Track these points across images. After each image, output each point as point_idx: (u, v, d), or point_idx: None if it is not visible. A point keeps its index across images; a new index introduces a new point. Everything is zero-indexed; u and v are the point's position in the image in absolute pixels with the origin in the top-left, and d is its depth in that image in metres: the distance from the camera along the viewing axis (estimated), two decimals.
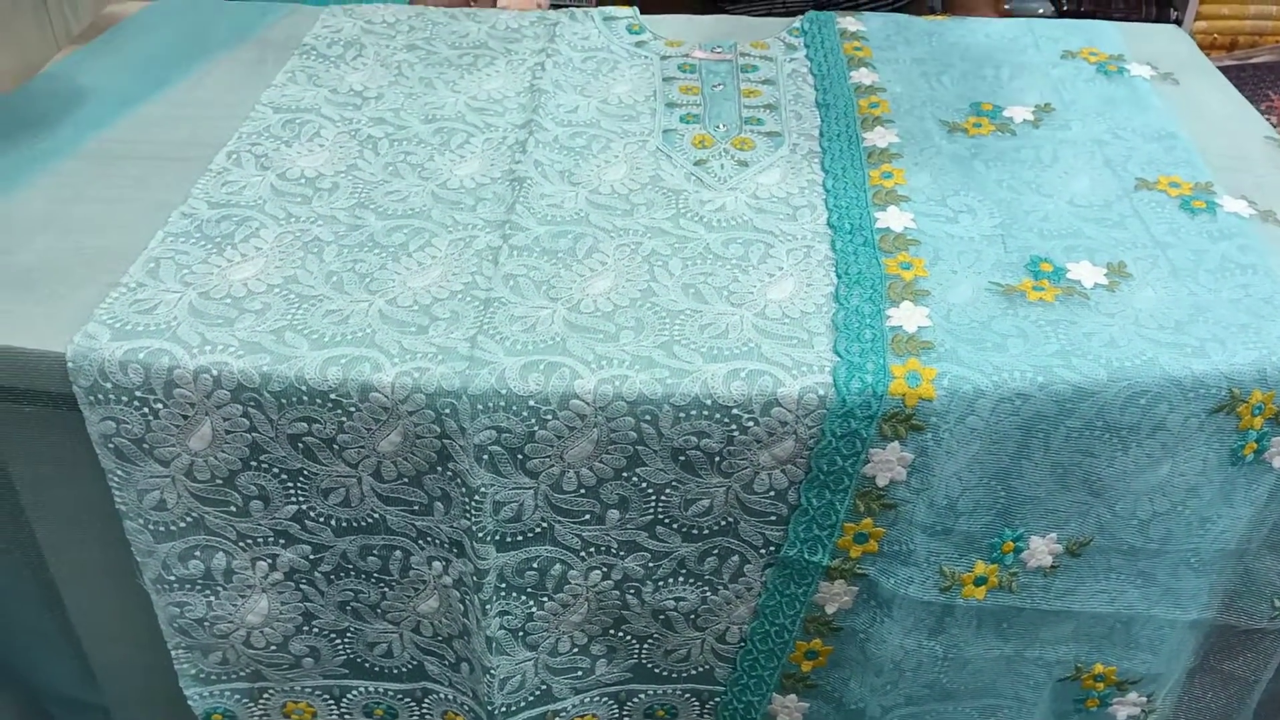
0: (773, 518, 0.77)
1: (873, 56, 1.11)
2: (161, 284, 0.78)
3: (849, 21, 1.16)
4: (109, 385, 0.72)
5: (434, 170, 0.92)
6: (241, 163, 0.91)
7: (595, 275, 0.81)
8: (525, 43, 1.11)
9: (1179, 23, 2.26)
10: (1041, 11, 2.21)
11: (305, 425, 0.73)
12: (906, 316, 0.77)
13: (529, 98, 1.01)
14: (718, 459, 0.74)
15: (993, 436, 0.74)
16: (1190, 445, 0.77)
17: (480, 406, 0.71)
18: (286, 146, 0.94)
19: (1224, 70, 2.20)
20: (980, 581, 0.80)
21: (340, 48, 1.09)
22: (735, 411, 0.72)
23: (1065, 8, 2.23)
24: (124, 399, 0.72)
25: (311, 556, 0.79)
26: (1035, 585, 0.81)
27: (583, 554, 0.78)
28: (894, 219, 0.87)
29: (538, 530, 0.77)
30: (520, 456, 0.73)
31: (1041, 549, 0.79)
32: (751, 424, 0.73)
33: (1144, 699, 0.91)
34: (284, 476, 0.75)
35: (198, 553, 0.79)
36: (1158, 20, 2.25)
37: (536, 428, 0.72)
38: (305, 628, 0.83)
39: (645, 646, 0.85)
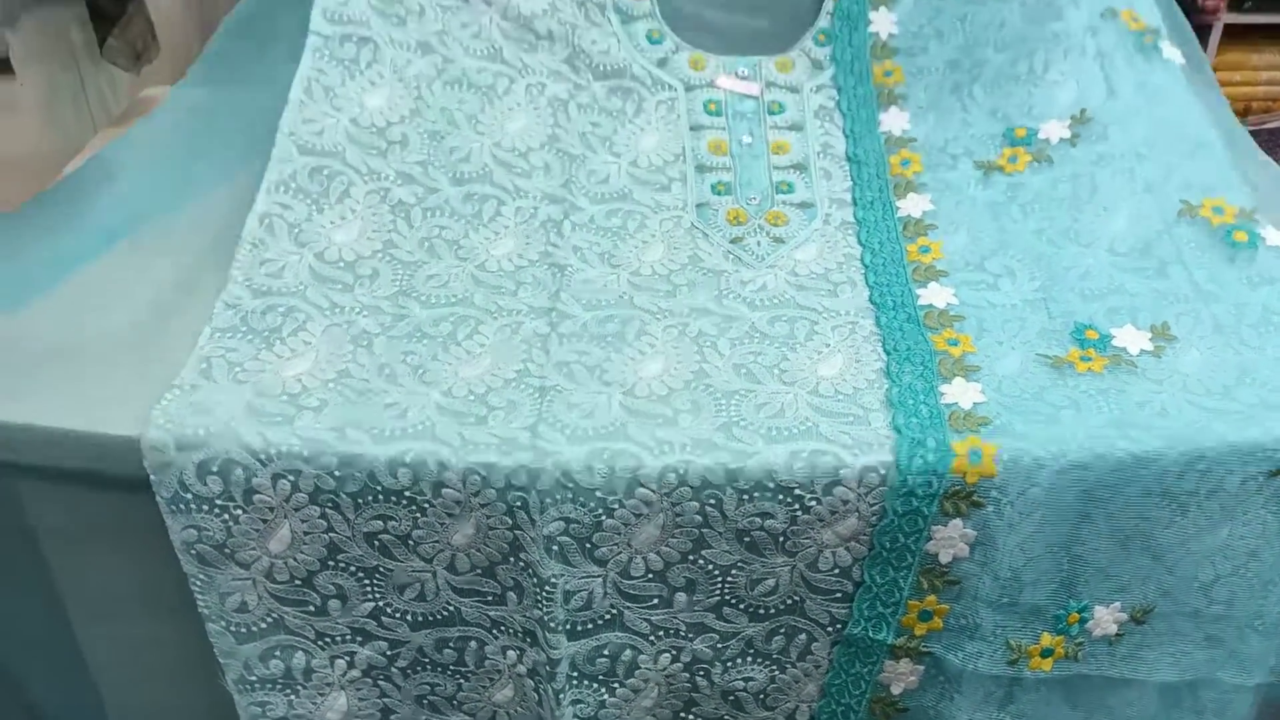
0: (838, 595, 0.78)
1: (904, 83, 1.07)
2: (216, 384, 0.78)
3: (881, 21, 1.09)
4: (189, 496, 0.75)
5: (470, 249, 0.92)
6: (275, 231, 0.89)
7: (646, 358, 0.83)
8: (541, 55, 1.04)
9: None
10: None
11: (381, 523, 0.75)
12: (960, 393, 0.79)
13: (556, 159, 0.99)
14: (782, 539, 0.76)
15: (1053, 508, 0.75)
16: (1248, 508, 0.77)
17: (548, 499, 0.73)
18: (318, 212, 0.90)
19: None
20: (1047, 653, 0.81)
21: (353, 45, 0.97)
22: (798, 492, 0.74)
23: None
24: (204, 508, 0.75)
25: (389, 652, 0.81)
26: (1101, 653, 0.82)
27: (652, 638, 0.80)
28: (936, 295, 0.88)
29: (607, 617, 0.79)
30: (589, 545, 0.75)
31: (1107, 618, 0.80)
32: (814, 503, 0.74)
33: None
34: (361, 574, 0.78)
35: (278, 652, 0.81)
36: None
37: (604, 516, 0.74)
38: None
39: None
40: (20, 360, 0.81)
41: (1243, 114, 2.30)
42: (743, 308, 0.88)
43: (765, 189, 1.00)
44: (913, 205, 0.97)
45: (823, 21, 1.10)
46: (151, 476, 0.74)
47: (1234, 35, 2.26)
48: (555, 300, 0.88)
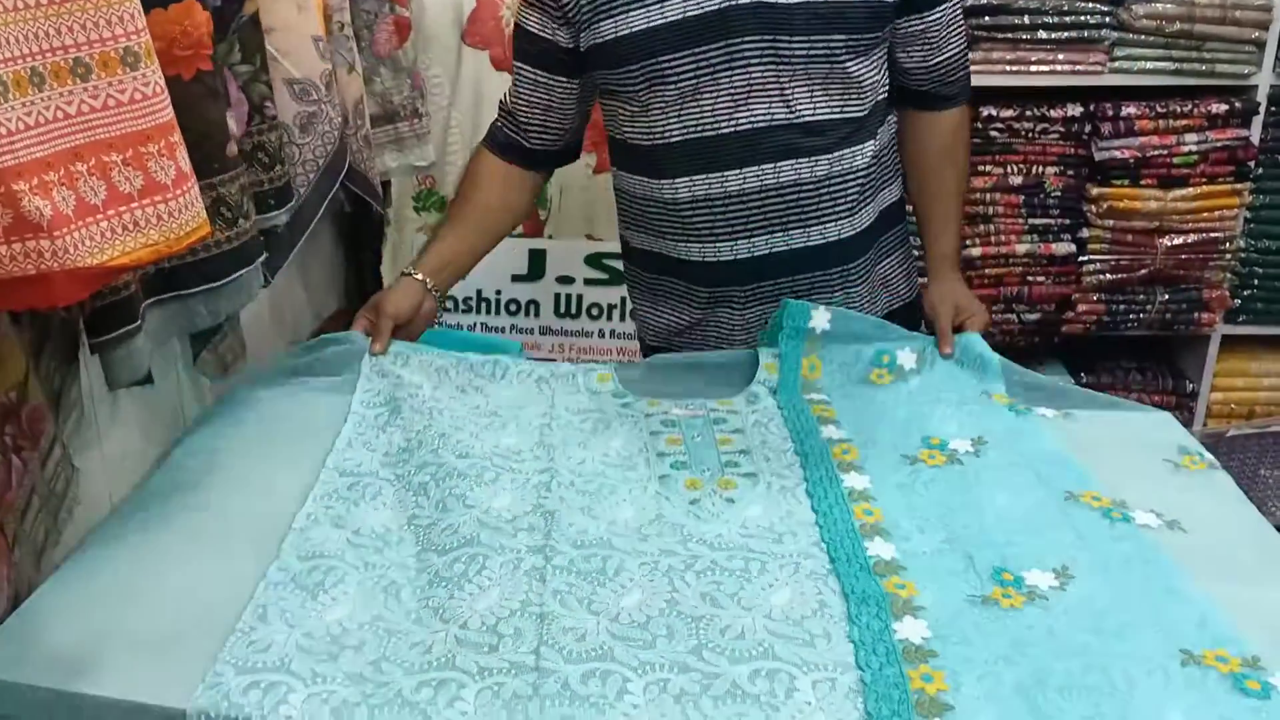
0: None
1: (836, 414, 1.25)
2: (270, 626, 0.89)
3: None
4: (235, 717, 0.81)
5: (476, 500, 1.07)
6: (318, 522, 1.04)
7: (626, 591, 0.95)
8: (531, 408, 1.26)
9: (1195, 394, 2.38)
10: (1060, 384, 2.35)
11: None
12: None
13: (544, 453, 1.17)
14: None
15: None
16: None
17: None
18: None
19: (1244, 439, 2.29)
20: None
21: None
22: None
23: (1084, 381, 2.37)
24: None
25: None
26: None
27: None
28: (881, 548, 1.01)
29: None
30: None
31: None
32: None
33: None
34: None
35: None
36: (1174, 391, 2.38)
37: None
38: None
39: None
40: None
41: (1247, 417, 2.39)
42: (704, 549, 1.01)
43: (715, 466, 1.16)
44: (854, 481, 1.12)
45: (759, 381, 1.32)
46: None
47: (1232, 345, 2.40)
48: (548, 539, 1.02)
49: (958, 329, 1.34)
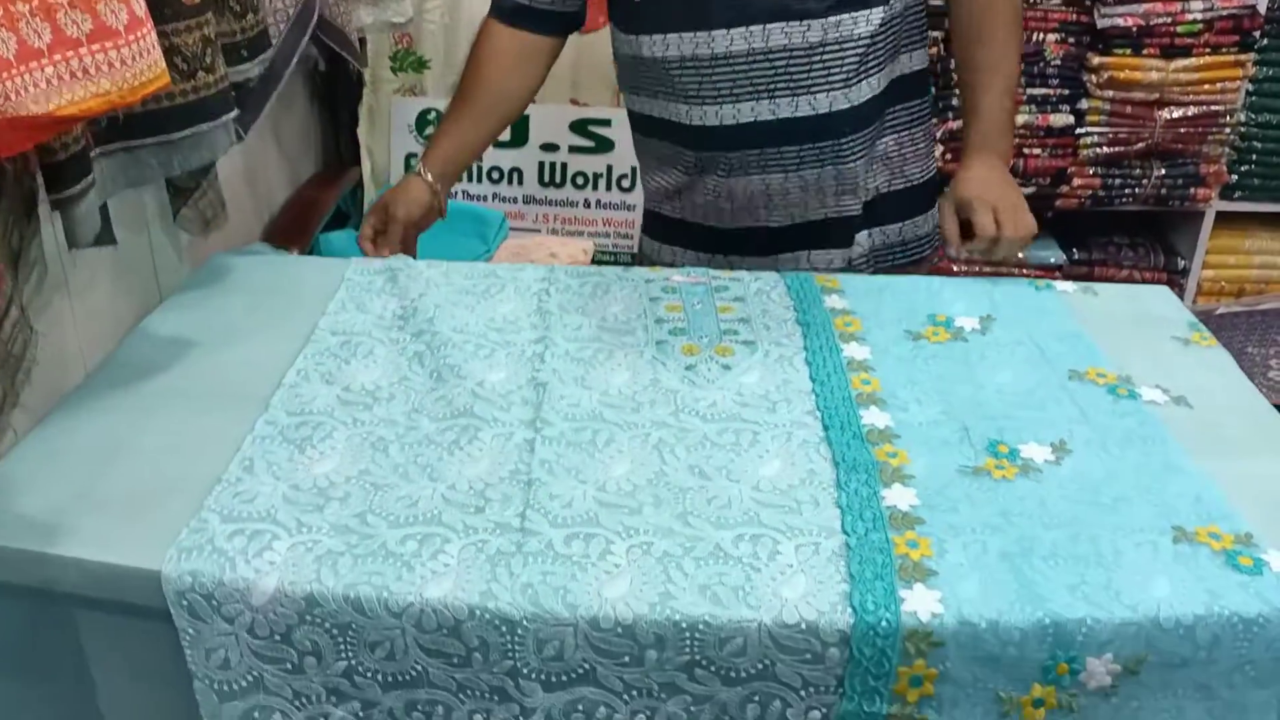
0: (808, 656, 0.79)
1: (840, 285, 1.23)
2: (256, 478, 0.89)
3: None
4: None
5: (469, 372, 1.05)
6: (309, 379, 1.03)
7: (615, 461, 0.94)
8: (529, 272, 1.24)
9: (1186, 271, 2.36)
10: (1053, 260, 2.33)
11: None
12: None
13: (539, 319, 1.14)
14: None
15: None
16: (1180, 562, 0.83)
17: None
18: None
19: (1232, 316, 2.28)
20: (1039, 704, 0.79)
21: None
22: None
23: (1076, 257, 2.35)
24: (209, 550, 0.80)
25: (361, 714, 0.82)
26: (1098, 706, 0.80)
27: (625, 696, 0.80)
28: (876, 417, 0.99)
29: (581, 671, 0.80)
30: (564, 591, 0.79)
31: (1099, 669, 0.78)
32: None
33: None
34: (335, 630, 0.80)
35: (257, 713, 0.82)
36: (1165, 268, 2.36)
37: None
38: None
39: None
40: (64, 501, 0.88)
41: (1236, 295, 2.38)
42: (696, 421, 0.99)
43: (714, 333, 1.14)
44: (855, 351, 1.11)
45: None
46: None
47: (1225, 221, 2.37)
48: (539, 412, 0.99)
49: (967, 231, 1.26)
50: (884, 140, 1.35)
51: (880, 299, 1.20)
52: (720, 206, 1.37)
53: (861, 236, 1.36)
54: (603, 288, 1.22)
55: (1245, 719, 0.82)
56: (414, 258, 1.31)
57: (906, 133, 1.37)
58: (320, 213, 1.84)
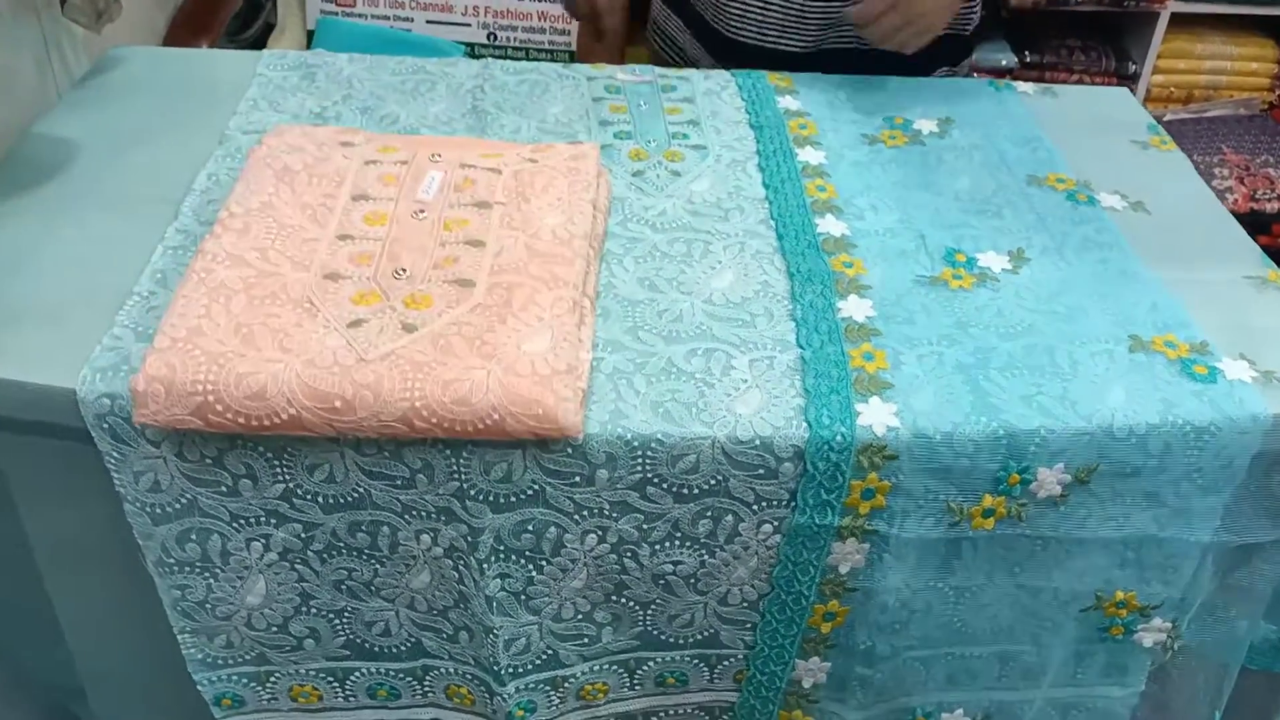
0: (761, 472, 0.77)
1: (793, 85, 1.16)
2: (170, 290, 0.81)
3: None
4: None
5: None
6: (221, 183, 0.94)
7: None
8: (461, 68, 1.15)
9: (1137, 76, 2.30)
10: (1005, 63, 2.25)
11: None
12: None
13: (474, 119, 1.06)
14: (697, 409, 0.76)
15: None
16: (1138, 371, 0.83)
17: None
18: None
19: (1180, 123, 2.24)
20: (989, 514, 0.80)
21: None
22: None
23: (1028, 60, 2.28)
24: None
25: (303, 535, 0.80)
26: (1045, 515, 0.81)
27: (576, 517, 0.79)
28: (832, 225, 0.96)
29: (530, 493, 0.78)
30: None
31: (1050, 479, 0.79)
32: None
33: (1168, 624, 0.90)
34: (270, 455, 0.76)
35: (194, 535, 0.79)
36: (1116, 73, 2.30)
37: None
38: (303, 609, 0.84)
39: (649, 613, 0.85)
40: None
41: (1185, 101, 2.34)
42: (645, 230, 0.93)
43: (662, 137, 1.07)
44: (810, 156, 1.05)
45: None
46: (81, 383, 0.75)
47: (1180, 24, 2.31)
48: None
49: None
50: None
51: (836, 100, 1.14)
52: None
53: None
54: (541, 86, 1.13)
55: (1190, 525, 0.83)
56: None
57: None
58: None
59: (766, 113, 1.10)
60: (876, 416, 0.77)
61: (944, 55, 1.26)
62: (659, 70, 1.17)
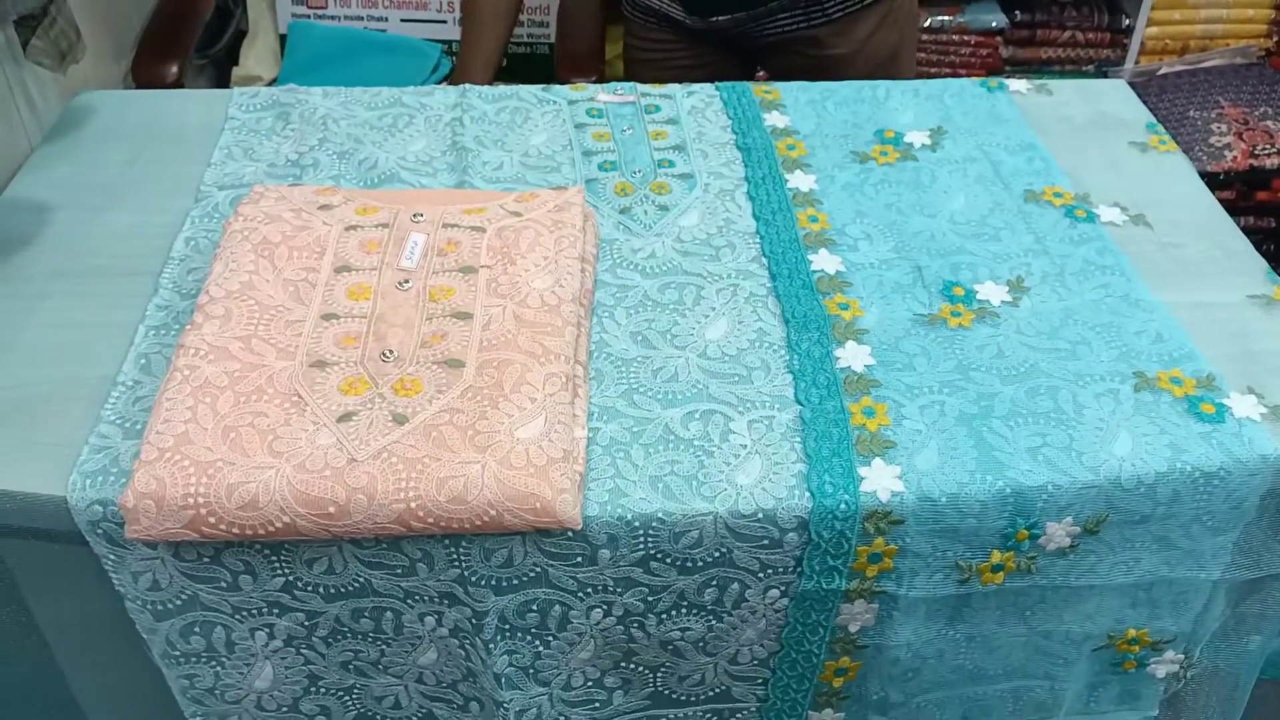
0: (765, 542, 0.76)
1: (780, 96, 1.13)
2: (155, 378, 0.80)
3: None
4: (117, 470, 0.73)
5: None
6: (200, 249, 0.92)
7: None
8: (438, 96, 1.12)
9: (1130, 30, 2.23)
10: (995, 24, 2.19)
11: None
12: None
13: (455, 156, 1.03)
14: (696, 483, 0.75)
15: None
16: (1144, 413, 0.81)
17: None
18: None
19: (1175, 76, 2.17)
20: (998, 569, 0.79)
21: None
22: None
23: (1019, 19, 2.22)
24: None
25: (306, 623, 0.79)
26: (1055, 565, 0.80)
27: (580, 594, 0.78)
28: (826, 261, 0.94)
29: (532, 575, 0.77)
30: None
31: (1059, 532, 0.78)
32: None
33: (1180, 656, 0.90)
34: (266, 550, 0.75)
35: (197, 628, 0.78)
36: (1109, 28, 2.23)
37: None
38: (312, 689, 0.83)
39: (659, 675, 0.85)
40: None
41: (1180, 53, 2.28)
42: (635, 276, 0.91)
43: (648, 166, 1.04)
44: (800, 181, 1.02)
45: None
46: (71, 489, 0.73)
47: None
48: None
49: None
50: None
51: (823, 112, 1.11)
52: None
53: None
54: (522, 114, 1.10)
55: (1200, 566, 0.82)
56: None
57: None
58: (198, 13, 1.64)
59: (754, 133, 1.07)
60: (880, 480, 0.75)
61: None
62: (641, 88, 1.14)
